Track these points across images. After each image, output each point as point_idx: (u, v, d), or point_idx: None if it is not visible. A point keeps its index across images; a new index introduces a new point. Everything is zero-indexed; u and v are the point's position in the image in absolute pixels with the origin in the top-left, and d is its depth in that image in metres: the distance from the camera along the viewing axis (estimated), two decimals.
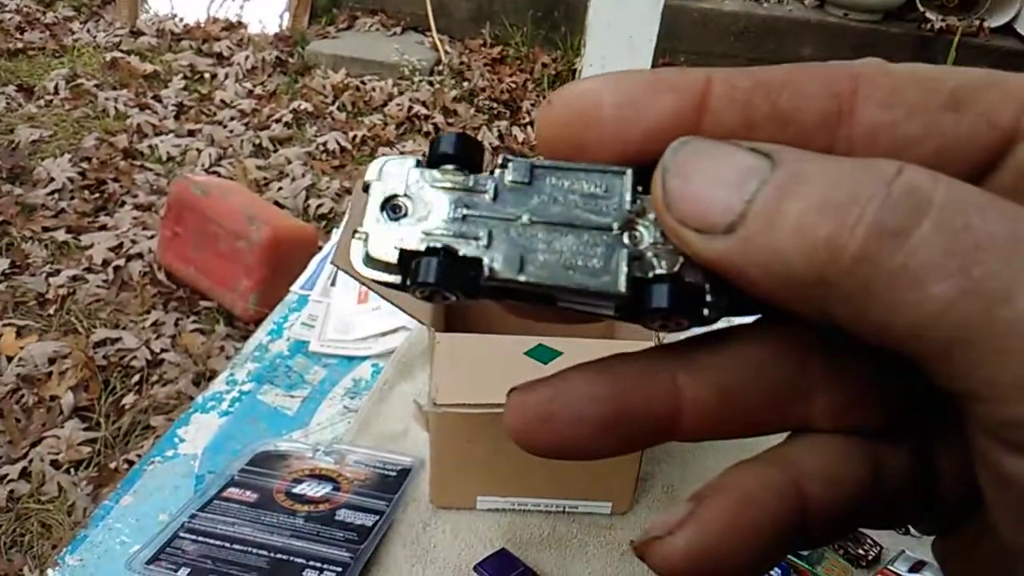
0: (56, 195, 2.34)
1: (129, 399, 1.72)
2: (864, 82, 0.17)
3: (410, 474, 0.70)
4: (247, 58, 3.23)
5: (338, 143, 2.77)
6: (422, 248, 0.18)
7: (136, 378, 1.78)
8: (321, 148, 2.75)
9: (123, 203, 2.35)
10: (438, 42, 3.48)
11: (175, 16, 3.51)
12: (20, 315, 1.93)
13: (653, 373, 0.18)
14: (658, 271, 0.17)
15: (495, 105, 3.13)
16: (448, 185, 0.19)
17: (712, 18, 3.48)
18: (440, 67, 3.37)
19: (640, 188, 0.18)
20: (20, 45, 3.18)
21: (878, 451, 0.18)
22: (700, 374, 0.18)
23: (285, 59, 3.30)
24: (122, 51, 3.22)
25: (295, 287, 0.99)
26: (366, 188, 0.19)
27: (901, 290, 0.14)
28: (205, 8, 3.57)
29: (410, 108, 3.02)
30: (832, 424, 0.18)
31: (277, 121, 2.87)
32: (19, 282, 2.02)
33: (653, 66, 3.37)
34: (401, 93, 3.13)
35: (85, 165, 2.48)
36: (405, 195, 0.19)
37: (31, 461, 1.57)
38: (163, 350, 1.85)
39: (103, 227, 2.24)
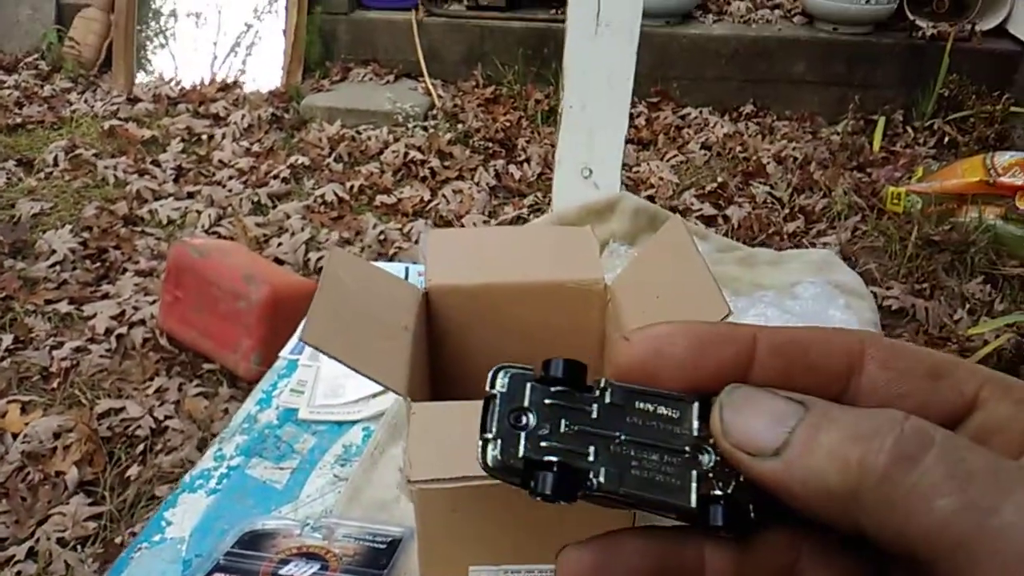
0: (58, 267, 2.35)
1: (134, 470, 1.70)
2: (869, 346, 0.22)
3: (400, 545, 0.67)
4: (243, 117, 3.25)
5: (336, 194, 2.77)
6: (543, 459, 0.22)
7: (140, 448, 1.76)
8: (319, 200, 2.75)
9: (124, 270, 2.35)
10: (431, 87, 3.51)
11: (171, 80, 3.55)
12: (24, 390, 1.92)
13: (685, 544, 0.23)
14: (715, 491, 0.22)
15: (491, 145, 3.13)
16: (560, 403, 0.23)
17: (702, 43, 3.49)
18: (434, 111, 3.39)
19: (702, 417, 0.23)
20: (19, 120, 3.22)
21: None
22: (721, 551, 0.22)
23: (281, 115, 3.33)
24: (120, 119, 3.25)
25: (284, 352, 0.97)
26: (491, 398, 0.23)
27: (915, 503, 0.18)
28: (208, 66, 3.60)
29: (406, 154, 3.02)
30: None
31: (275, 177, 2.88)
32: (23, 357, 2.02)
33: (641, 98, 3.37)
34: (396, 140, 3.14)
35: (86, 235, 2.49)
36: (527, 408, 0.23)
37: (38, 540, 1.54)
38: (167, 417, 1.83)
39: (105, 295, 2.24)
